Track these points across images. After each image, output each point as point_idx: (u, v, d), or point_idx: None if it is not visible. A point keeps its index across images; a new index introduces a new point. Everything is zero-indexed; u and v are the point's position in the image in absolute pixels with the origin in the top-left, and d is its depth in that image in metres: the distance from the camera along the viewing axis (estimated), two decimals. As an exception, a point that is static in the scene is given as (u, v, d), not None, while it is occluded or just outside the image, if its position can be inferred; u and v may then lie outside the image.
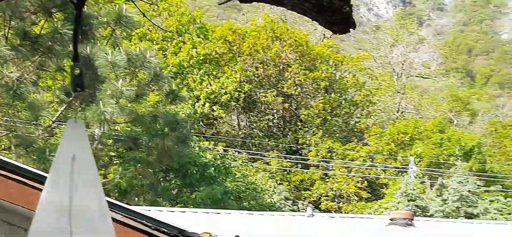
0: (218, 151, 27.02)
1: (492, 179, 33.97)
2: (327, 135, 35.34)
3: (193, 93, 32.41)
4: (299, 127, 36.56)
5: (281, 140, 35.70)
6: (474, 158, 34.47)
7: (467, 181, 28.21)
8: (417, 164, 32.72)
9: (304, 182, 33.83)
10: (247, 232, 6.87)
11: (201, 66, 33.62)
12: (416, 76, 54.91)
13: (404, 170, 32.44)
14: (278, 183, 31.26)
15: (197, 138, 27.64)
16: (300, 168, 34.09)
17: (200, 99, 32.73)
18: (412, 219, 10.73)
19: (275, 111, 36.85)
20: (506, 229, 11.76)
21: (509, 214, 27.15)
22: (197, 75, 33.29)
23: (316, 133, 35.11)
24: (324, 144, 34.34)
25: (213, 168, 22.35)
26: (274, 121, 37.51)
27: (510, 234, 10.47)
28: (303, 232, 7.95)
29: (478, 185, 28.75)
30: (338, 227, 10.17)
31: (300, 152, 35.17)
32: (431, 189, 30.26)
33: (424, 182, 31.25)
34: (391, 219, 10.53)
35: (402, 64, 49.98)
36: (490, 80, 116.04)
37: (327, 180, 33.69)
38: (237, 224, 9.16)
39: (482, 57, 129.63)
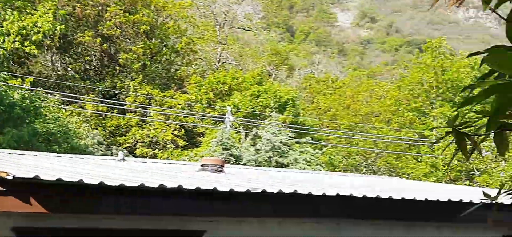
0: (27, 90, 25.63)
1: (303, 131, 35.41)
2: (146, 81, 34.87)
3: (2, 29, 30.30)
4: (118, 71, 35.73)
5: (98, 83, 34.71)
6: (288, 111, 35.66)
7: (280, 132, 29.09)
8: (234, 114, 33.24)
9: (120, 128, 33.23)
10: (50, 173, 6.45)
11: (12, 2, 31.48)
12: (238, 28, 55.61)
13: (222, 119, 32.85)
14: (92, 127, 30.42)
15: (5, 76, 26.06)
16: (117, 114, 33.40)
17: (10, 35, 30.72)
18: (223, 166, 10.87)
19: (92, 53, 35.69)
20: (310, 178, 12.16)
21: (316, 165, 28.42)
22: (9, 14, 31.02)
23: (135, 79, 34.52)
24: (142, 90, 33.86)
25: (21, 109, 21.19)
26: (92, 63, 36.35)
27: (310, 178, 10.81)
28: (110, 175, 7.68)
29: (290, 137, 29.75)
30: (148, 171, 9.99)
31: (117, 97, 34.43)
32: (246, 138, 30.91)
33: (240, 132, 31.86)
34: (202, 165, 10.60)
35: (225, 15, 50.34)
36: (308, 37, 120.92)
37: (144, 126, 33.33)
38: (40, 165, 8.68)
39: (302, 14, 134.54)
